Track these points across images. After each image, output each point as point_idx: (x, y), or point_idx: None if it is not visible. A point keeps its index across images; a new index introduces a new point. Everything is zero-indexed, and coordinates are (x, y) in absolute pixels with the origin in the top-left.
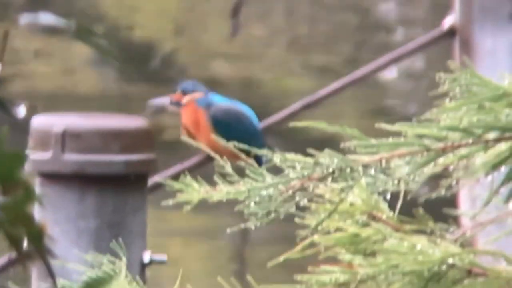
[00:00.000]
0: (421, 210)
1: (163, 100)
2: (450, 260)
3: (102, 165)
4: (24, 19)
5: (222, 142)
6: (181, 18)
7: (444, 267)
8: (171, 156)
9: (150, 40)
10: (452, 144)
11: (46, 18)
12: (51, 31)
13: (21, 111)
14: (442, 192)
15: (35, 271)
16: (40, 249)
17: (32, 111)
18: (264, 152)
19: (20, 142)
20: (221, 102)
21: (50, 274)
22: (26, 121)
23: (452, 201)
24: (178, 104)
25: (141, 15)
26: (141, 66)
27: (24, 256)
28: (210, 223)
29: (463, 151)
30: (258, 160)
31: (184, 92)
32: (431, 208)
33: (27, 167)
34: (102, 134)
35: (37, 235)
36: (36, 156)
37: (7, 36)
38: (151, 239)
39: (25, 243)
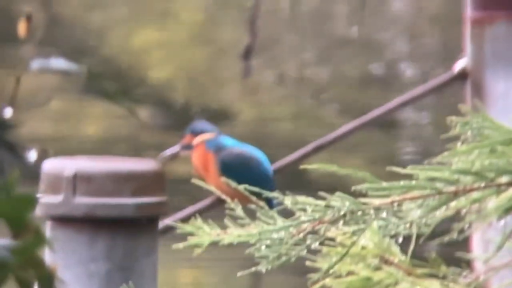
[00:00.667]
0: (433, 254)
1: (174, 149)
2: None
3: (113, 208)
4: (36, 64)
5: (231, 185)
6: (192, 61)
7: None
8: (182, 198)
9: (162, 82)
10: (464, 187)
11: (58, 63)
12: (62, 74)
13: (32, 155)
14: (455, 235)
15: None
16: None
17: (43, 155)
18: (274, 194)
19: (31, 186)
20: (231, 145)
21: None
22: (37, 165)
23: (464, 245)
24: (188, 147)
25: (152, 59)
26: (152, 108)
27: None
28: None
29: (475, 194)
30: (269, 203)
31: (194, 134)
32: (443, 252)
33: (39, 211)
34: (113, 177)
35: (47, 279)
36: (47, 199)
37: (19, 82)
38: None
39: (35, 287)
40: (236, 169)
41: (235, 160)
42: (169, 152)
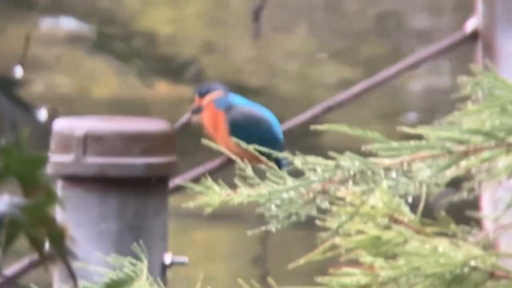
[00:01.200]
0: (443, 213)
1: (185, 117)
2: (472, 263)
3: (123, 168)
4: (46, 23)
5: (240, 145)
6: (202, 22)
7: (466, 270)
8: (193, 158)
9: (172, 45)
10: (474, 147)
11: (68, 22)
12: (72, 34)
13: (42, 114)
14: (464, 194)
15: (56, 273)
16: (61, 251)
17: (53, 114)
18: (284, 155)
19: (41, 145)
20: (240, 104)
21: (72, 276)
22: (48, 124)
23: (474, 203)
24: (199, 109)
25: (162, 23)
26: (161, 69)
27: (45, 258)
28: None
29: (485, 154)
30: (279, 163)
31: (201, 95)
32: (453, 210)
33: (49, 170)
34: (124, 137)
35: (58, 237)
36: (58, 158)
37: (28, 41)
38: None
39: (46, 245)
40: (246, 128)
41: (246, 119)
42: (181, 120)
